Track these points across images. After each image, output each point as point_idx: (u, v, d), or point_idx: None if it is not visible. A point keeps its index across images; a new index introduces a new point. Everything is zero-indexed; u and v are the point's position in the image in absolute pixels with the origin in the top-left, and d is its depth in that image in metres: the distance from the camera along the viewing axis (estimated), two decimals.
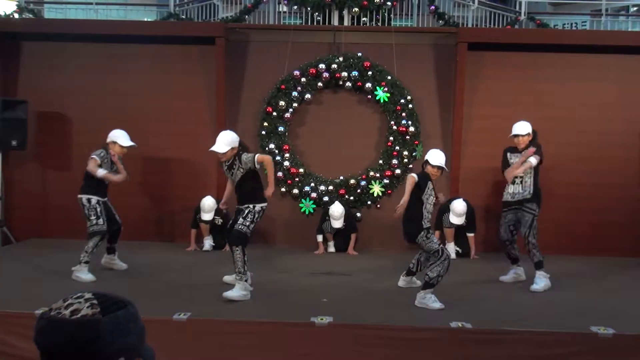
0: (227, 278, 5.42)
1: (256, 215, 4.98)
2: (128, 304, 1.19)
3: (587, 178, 7.61)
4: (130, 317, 1.17)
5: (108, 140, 5.74)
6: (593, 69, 7.71)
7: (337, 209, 7.19)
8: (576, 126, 7.57)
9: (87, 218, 5.52)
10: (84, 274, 5.42)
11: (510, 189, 5.60)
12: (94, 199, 5.53)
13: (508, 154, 5.73)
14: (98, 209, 5.53)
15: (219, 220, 7.28)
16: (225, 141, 4.96)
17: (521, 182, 5.54)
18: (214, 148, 4.98)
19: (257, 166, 4.93)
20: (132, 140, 5.84)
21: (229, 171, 5.13)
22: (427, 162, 4.95)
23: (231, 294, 4.79)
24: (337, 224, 7.23)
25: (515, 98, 7.65)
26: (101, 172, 5.50)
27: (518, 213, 5.56)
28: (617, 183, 7.62)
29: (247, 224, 4.91)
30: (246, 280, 4.91)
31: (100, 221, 5.52)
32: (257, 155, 4.93)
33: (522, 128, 5.60)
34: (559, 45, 7.65)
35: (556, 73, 7.71)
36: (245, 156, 4.97)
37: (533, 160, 5.39)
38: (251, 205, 4.99)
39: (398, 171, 7.72)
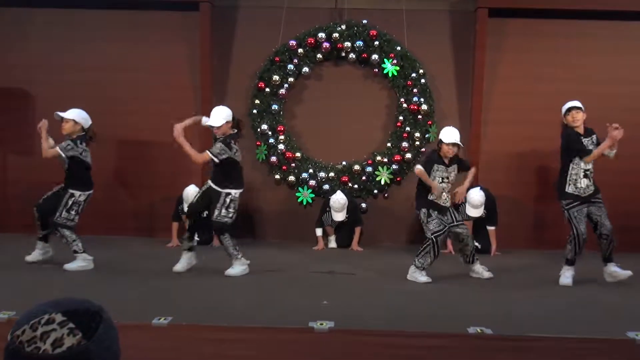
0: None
1: (235, 203, 5.63)
2: (100, 312, 1.18)
3: (637, 163, 7.51)
4: (109, 327, 1.18)
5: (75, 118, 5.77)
6: (638, 39, 7.65)
7: (339, 199, 7.19)
8: (619, 104, 7.43)
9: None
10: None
11: (583, 182, 5.55)
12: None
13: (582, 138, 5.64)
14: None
15: (205, 213, 7.25)
16: (222, 114, 5.53)
17: (591, 174, 5.55)
18: (210, 122, 5.52)
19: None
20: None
21: (214, 142, 5.67)
22: (440, 141, 5.57)
23: (232, 271, 5.58)
24: (339, 216, 7.23)
25: (545, 72, 7.62)
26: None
27: (590, 207, 5.57)
28: None
29: (225, 213, 5.56)
30: (241, 257, 5.64)
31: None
32: (207, 151, 5.51)
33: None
34: (598, 12, 7.58)
35: (594, 44, 7.67)
36: (218, 144, 5.51)
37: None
38: (226, 192, 5.57)
39: (408, 155, 7.71)
